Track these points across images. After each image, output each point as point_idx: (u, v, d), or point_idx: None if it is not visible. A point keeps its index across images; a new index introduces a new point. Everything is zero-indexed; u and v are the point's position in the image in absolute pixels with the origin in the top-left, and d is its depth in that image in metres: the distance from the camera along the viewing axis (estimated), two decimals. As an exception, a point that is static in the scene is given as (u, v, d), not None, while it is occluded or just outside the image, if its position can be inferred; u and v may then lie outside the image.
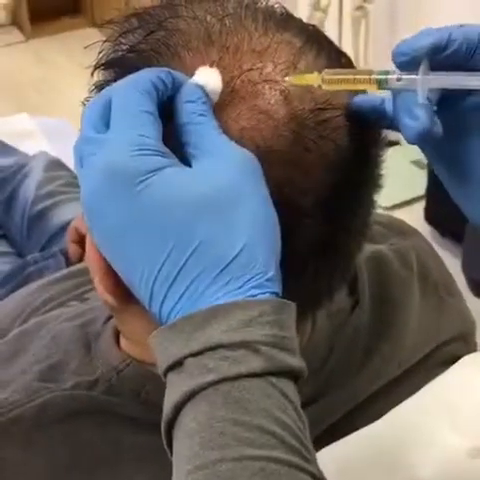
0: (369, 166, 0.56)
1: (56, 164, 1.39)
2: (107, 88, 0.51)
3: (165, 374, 0.47)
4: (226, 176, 0.47)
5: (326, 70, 0.52)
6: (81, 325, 0.71)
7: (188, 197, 0.47)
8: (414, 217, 2.07)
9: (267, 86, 0.52)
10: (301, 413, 0.46)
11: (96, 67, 0.55)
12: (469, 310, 0.85)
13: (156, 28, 0.54)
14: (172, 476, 0.47)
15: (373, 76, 0.52)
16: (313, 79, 0.52)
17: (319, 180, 0.53)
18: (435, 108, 0.51)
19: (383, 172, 0.59)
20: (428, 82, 0.50)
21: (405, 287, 0.77)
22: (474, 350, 0.84)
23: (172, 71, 0.50)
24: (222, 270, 0.46)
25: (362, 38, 2.36)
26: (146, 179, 0.47)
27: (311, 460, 0.45)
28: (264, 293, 0.46)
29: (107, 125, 0.49)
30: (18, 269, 1.21)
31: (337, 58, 0.56)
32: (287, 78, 0.52)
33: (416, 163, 2.38)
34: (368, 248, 0.77)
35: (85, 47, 0.56)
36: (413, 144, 0.51)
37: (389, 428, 0.74)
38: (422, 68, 0.50)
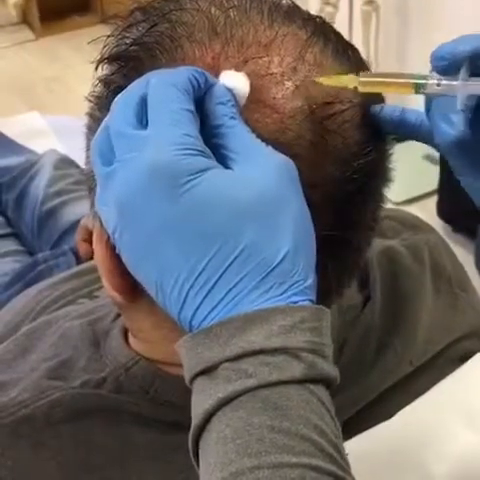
0: (378, 159, 0.56)
1: (65, 162, 1.39)
2: (136, 83, 0.49)
3: (193, 379, 0.45)
4: (270, 181, 0.46)
5: (363, 73, 0.52)
6: (90, 322, 0.70)
7: (234, 201, 0.45)
8: (426, 213, 2.06)
9: (273, 79, 0.51)
10: (336, 421, 0.45)
11: (100, 61, 0.55)
12: (483, 306, 0.85)
13: (160, 21, 0.53)
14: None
15: (412, 80, 0.51)
16: (349, 81, 0.51)
17: (327, 174, 0.52)
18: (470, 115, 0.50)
19: (393, 166, 0.58)
20: (468, 88, 0.49)
21: (417, 282, 0.76)
22: (488, 346, 0.83)
23: (205, 71, 0.49)
24: (265, 276, 0.45)
25: (372, 32, 2.35)
26: (191, 180, 0.45)
27: (347, 469, 0.44)
28: (304, 300, 0.45)
29: (141, 122, 0.47)
30: (29, 267, 1.21)
31: (344, 50, 0.55)
32: (321, 79, 0.51)
33: (428, 158, 2.36)
34: (380, 243, 0.77)
35: (89, 42, 0.56)
36: (446, 152, 0.50)
37: (403, 425, 0.74)
38: (462, 74, 0.49)
